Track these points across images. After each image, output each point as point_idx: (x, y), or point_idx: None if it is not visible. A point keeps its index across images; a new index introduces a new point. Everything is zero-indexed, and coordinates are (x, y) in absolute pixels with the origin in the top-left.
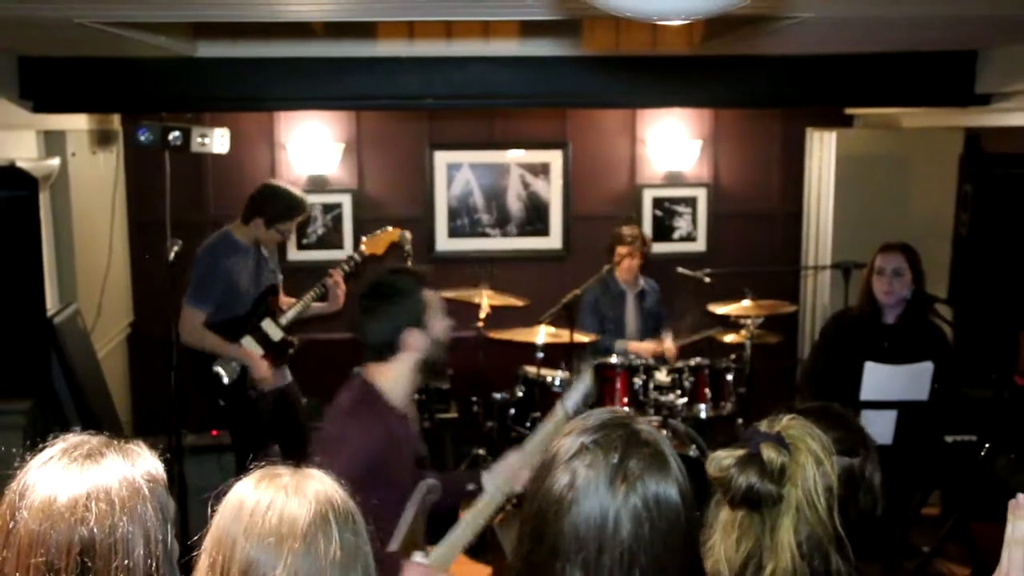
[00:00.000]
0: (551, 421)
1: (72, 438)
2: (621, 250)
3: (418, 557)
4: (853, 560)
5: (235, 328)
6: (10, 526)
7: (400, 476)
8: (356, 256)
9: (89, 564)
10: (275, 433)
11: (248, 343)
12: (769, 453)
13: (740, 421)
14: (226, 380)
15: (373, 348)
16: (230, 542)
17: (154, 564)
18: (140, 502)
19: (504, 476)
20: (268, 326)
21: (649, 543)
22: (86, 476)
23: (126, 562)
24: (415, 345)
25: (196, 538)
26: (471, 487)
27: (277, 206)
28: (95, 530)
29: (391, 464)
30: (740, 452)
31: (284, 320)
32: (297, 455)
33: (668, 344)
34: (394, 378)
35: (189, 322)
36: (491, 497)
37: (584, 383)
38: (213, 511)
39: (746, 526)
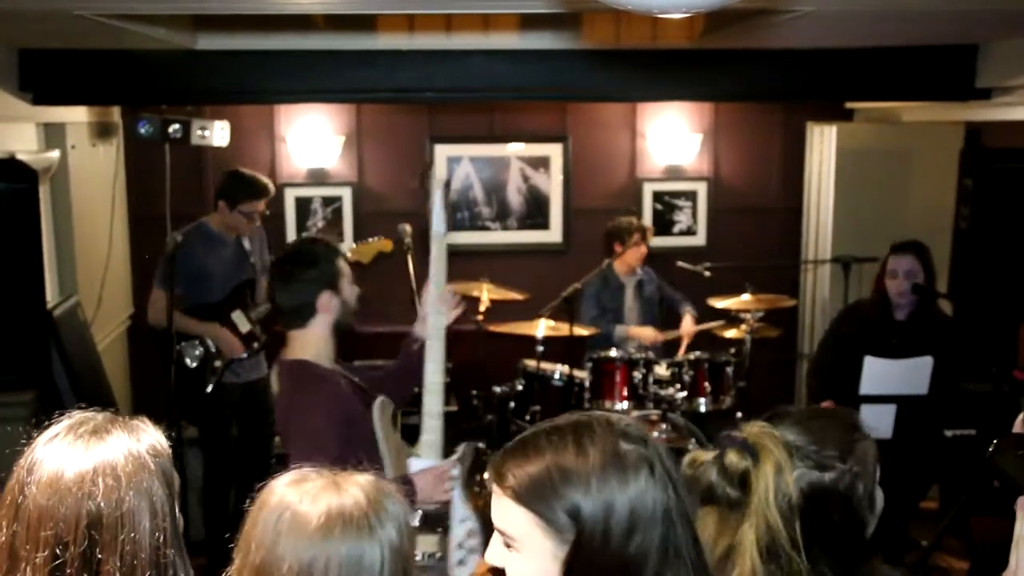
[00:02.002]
0: (434, 247)
1: (78, 415)
2: (635, 238)
3: (413, 463)
4: (827, 568)
5: (205, 315)
6: (19, 501)
7: (363, 417)
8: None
9: (97, 537)
10: (240, 424)
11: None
12: (730, 457)
13: (740, 415)
14: (189, 362)
15: (290, 312)
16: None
17: (161, 537)
18: (146, 476)
19: (432, 315)
20: (238, 317)
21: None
22: (92, 452)
23: (133, 535)
24: (328, 308)
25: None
26: (415, 347)
27: (236, 188)
28: (102, 504)
29: (355, 415)
30: (712, 453)
31: (255, 314)
32: (259, 447)
33: (686, 327)
34: (314, 343)
35: (155, 303)
36: (435, 346)
37: (437, 202)
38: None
39: (724, 524)
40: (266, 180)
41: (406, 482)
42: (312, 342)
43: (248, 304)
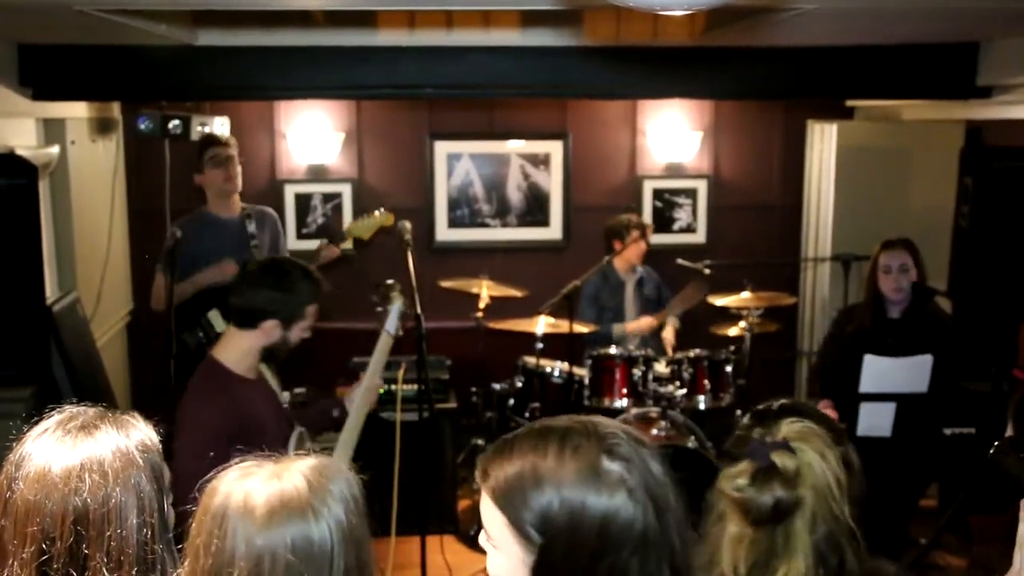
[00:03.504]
0: (381, 344)
1: (68, 410)
2: (634, 234)
3: None
4: (866, 555)
5: (206, 298)
6: (7, 496)
7: (272, 433)
8: (344, 234)
9: (83, 532)
10: None
11: (214, 316)
12: (783, 461)
13: (739, 412)
14: (190, 345)
15: (234, 311)
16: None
17: (149, 532)
18: (134, 472)
19: (362, 397)
20: None
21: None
22: (80, 448)
23: (119, 530)
24: (268, 334)
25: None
26: (336, 413)
27: (197, 150)
28: (88, 500)
29: (254, 430)
30: (749, 467)
31: None
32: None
33: (667, 334)
34: (241, 351)
35: (155, 287)
36: (356, 417)
37: (396, 306)
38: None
39: (755, 537)
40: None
41: None
42: (238, 347)
43: None
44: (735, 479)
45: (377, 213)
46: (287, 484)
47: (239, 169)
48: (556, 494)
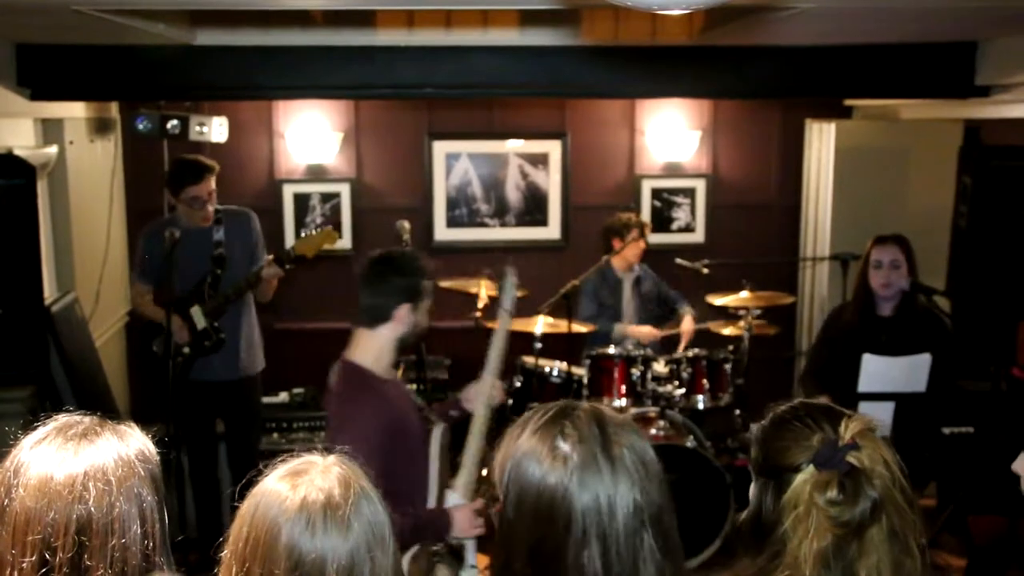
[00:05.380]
0: (500, 327)
1: (64, 418)
2: (633, 233)
3: (450, 497)
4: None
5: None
6: (4, 504)
7: (413, 433)
8: (290, 252)
9: (86, 542)
10: (227, 423)
11: (195, 313)
12: (862, 462)
13: (737, 412)
14: (156, 351)
15: (365, 310)
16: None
17: (151, 544)
18: (136, 481)
19: (483, 393)
20: (195, 313)
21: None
22: (82, 455)
23: (123, 540)
24: (403, 320)
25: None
26: (454, 413)
27: (172, 176)
28: (92, 509)
29: (402, 428)
30: (831, 476)
31: (209, 306)
32: (245, 445)
33: (686, 325)
34: (377, 349)
35: (133, 294)
36: (480, 415)
37: (510, 283)
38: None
39: (837, 544)
40: (202, 162)
41: (446, 514)
42: (375, 346)
43: (205, 299)
44: (825, 492)
45: (323, 231)
46: (329, 490)
47: (214, 203)
48: (514, 464)
